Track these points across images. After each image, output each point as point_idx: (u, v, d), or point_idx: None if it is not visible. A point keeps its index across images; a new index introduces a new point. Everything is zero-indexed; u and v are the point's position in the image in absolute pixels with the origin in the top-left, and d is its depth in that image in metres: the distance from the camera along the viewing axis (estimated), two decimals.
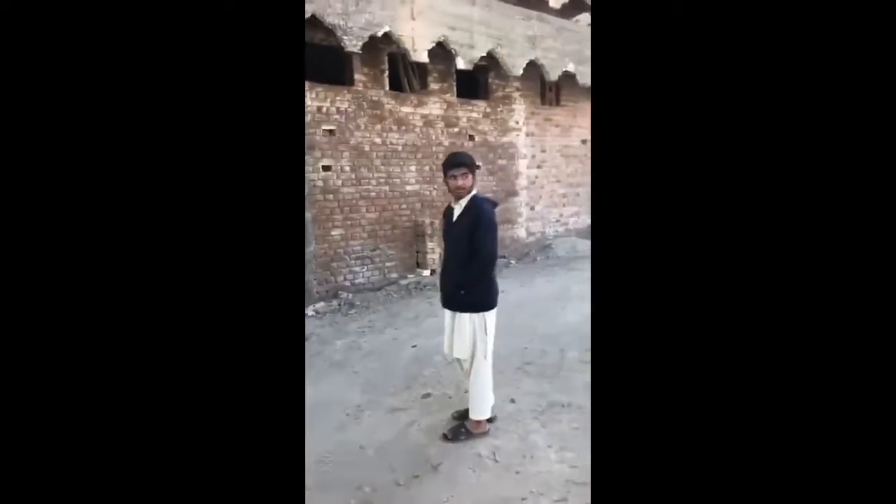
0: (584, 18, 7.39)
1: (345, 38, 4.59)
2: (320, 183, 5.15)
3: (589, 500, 1.93)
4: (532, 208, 7.42)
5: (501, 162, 6.90)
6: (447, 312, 2.42)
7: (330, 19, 4.46)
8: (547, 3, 6.50)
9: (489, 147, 6.71)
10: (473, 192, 2.36)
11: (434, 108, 6.02)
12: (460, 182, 2.29)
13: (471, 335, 2.34)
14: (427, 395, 2.93)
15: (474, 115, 6.49)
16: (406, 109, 5.76)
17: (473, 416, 2.40)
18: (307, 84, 4.86)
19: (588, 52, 6.86)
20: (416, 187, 5.90)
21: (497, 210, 2.41)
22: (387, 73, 5.54)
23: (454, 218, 2.36)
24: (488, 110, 6.64)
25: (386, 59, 5.49)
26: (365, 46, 4.85)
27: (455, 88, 6.19)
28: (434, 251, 5.74)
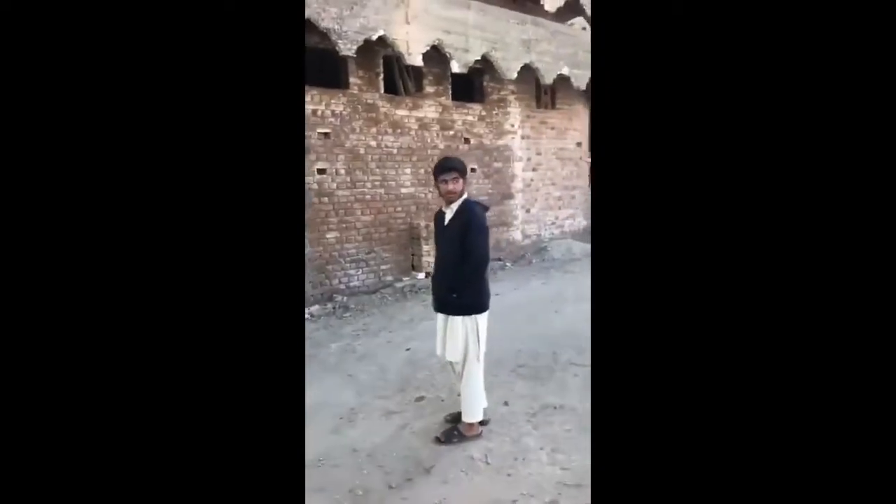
0: (579, 22, 7.43)
1: (339, 42, 4.60)
2: (315, 186, 5.16)
3: (579, 502, 1.95)
4: (528, 211, 7.44)
5: (497, 165, 6.92)
6: (439, 316, 2.43)
7: (324, 23, 4.47)
8: (542, 6, 6.53)
9: (484, 150, 6.73)
10: (464, 196, 2.38)
11: (429, 111, 6.04)
12: (451, 186, 2.30)
13: (463, 338, 2.35)
14: (420, 398, 2.94)
15: (470, 118, 6.51)
16: (401, 112, 5.78)
17: (466, 418, 2.41)
18: None
19: (582, 56, 6.90)
20: (412, 190, 5.91)
21: (488, 214, 2.43)
22: (382, 76, 5.56)
23: (446, 222, 2.38)
24: (483, 113, 6.66)
25: (381, 62, 5.51)
26: (360, 50, 4.86)
27: (450, 92, 6.21)
28: (429, 254, 5.75)
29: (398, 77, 5.79)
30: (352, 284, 5.51)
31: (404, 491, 2.08)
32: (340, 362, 3.59)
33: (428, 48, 5.27)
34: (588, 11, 7.11)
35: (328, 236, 5.31)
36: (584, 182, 8.24)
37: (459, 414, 2.46)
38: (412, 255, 5.95)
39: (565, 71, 6.72)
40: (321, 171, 5.20)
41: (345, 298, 5.22)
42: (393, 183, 5.79)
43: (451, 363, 2.46)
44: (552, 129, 7.63)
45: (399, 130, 5.77)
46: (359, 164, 5.47)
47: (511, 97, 6.93)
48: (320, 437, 2.48)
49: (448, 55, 5.49)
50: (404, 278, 5.82)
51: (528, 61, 6.24)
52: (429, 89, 6.00)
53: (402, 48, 5.06)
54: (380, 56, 5.43)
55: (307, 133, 5.01)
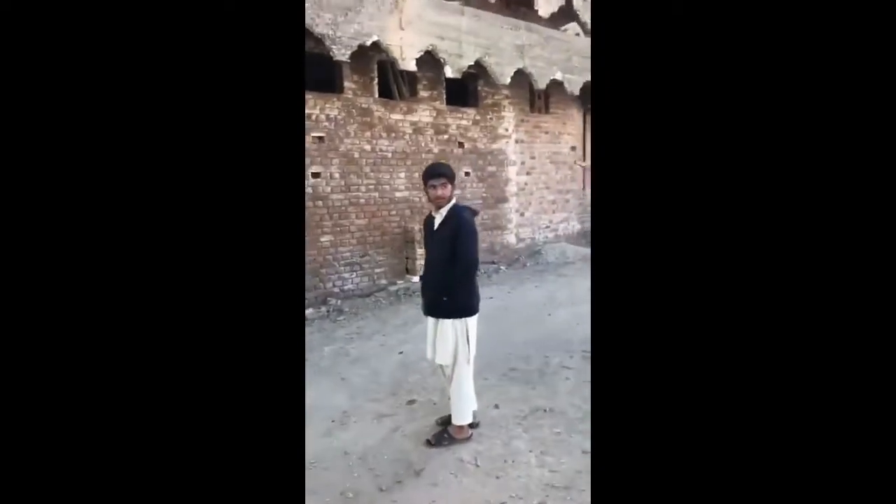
0: (573, 28, 7.49)
1: (334, 47, 4.64)
2: (310, 190, 5.18)
3: None
4: (522, 214, 7.48)
5: (491, 168, 6.97)
6: (429, 319, 2.46)
7: (319, 29, 4.51)
8: (536, 12, 6.59)
9: (479, 154, 6.78)
10: (453, 200, 2.41)
11: (423, 115, 6.08)
12: (440, 192, 2.34)
13: (453, 341, 2.38)
14: (412, 402, 2.96)
15: (464, 122, 6.55)
16: (395, 117, 5.82)
17: (456, 421, 2.44)
18: None
19: (576, 61, 6.97)
20: (406, 194, 5.94)
21: (477, 218, 2.46)
22: (376, 80, 5.59)
23: (435, 226, 2.41)
24: (478, 118, 6.71)
25: (375, 67, 5.55)
26: (354, 55, 4.90)
27: (444, 96, 6.25)
28: (423, 258, 5.77)
29: (392, 82, 5.83)
30: (346, 288, 5.53)
31: (394, 494, 2.10)
32: (333, 365, 3.60)
33: (422, 53, 5.31)
34: (581, 17, 7.18)
35: (322, 240, 5.33)
36: (577, 186, 8.30)
37: (450, 417, 2.49)
38: (406, 258, 5.98)
39: (559, 76, 6.78)
40: (315, 175, 5.23)
41: (339, 302, 5.24)
42: (387, 187, 5.82)
43: (441, 366, 2.48)
44: (546, 133, 7.68)
45: (393, 134, 5.80)
46: (353, 168, 5.50)
47: (505, 102, 6.99)
48: (312, 440, 2.50)
49: (442, 60, 5.54)
50: (398, 282, 5.85)
51: (521, 66, 6.30)
52: (423, 94, 6.04)
53: (396, 53, 5.10)
54: (374, 61, 5.47)
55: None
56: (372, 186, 5.69)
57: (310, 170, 5.17)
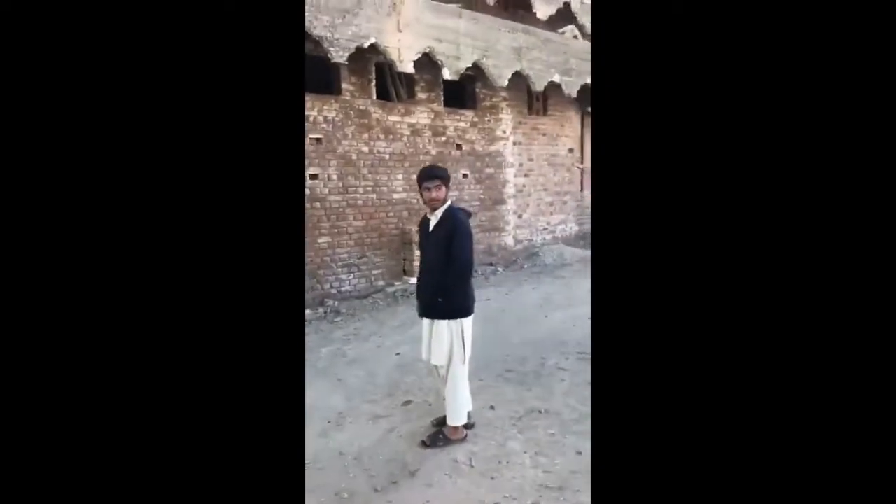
0: (570, 30, 7.52)
1: (331, 49, 4.65)
2: (307, 191, 5.19)
3: None
4: (519, 216, 7.50)
5: (489, 170, 6.98)
6: (425, 320, 2.47)
7: (317, 31, 4.52)
8: (534, 15, 6.62)
9: (476, 156, 6.80)
10: (448, 202, 2.43)
11: (421, 117, 6.10)
12: (434, 194, 2.36)
13: (448, 342, 2.39)
14: (408, 403, 2.97)
15: (462, 124, 6.57)
16: (393, 118, 5.83)
17: (451, 421, 2.45)
18: None
19: (573, 63, 6.99)
20: (404, 195, 5.96)
21: (472, 219, 2.48)
22: (374, 82, 5.61)
23: (430, 228, 2.43)
24: (476, 119, 6.73)
25: (373, 69, 5.57)
26: (352, 57, 4.92)
27: (442, 98, 6.27)
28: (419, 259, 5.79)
29: (390, 83, 5.85)
30: (343, 289, 5.54)
31: (389, 494, 2.11)
32: (330, 366, 3.61)
33: (419, 55, 5.33)
34: (580, 19, 7.21)
35: (320, 241, 5.35)
36: (575, 188, 8.32)
37: (445, 418, 2.50)
38: (404, 259, 5.99)
39: (556, 78, 6.80)
40: (313, 177, 5.24)
41: (336, 303, 5.25)
42: (385, 188, 5.84)
43: (436, 367, 2.49)
44: (544, 135, 7.71)
45: (391, 136, 5.82)
46: (351, 170, 5.52)
47: (503, 104, 7.01)
48: (308, 441, 2.50)
49: (439, 62, 5.56)
50: (396, 283, 5.86)
51: (519, 68, 6.32)
52: (421, 96, 6.06)
53: (393, 56, 5.12)
54: (372, 63, 5.49)
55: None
56: (370, 188, 5.70)
57: (307, 171, 5.18)
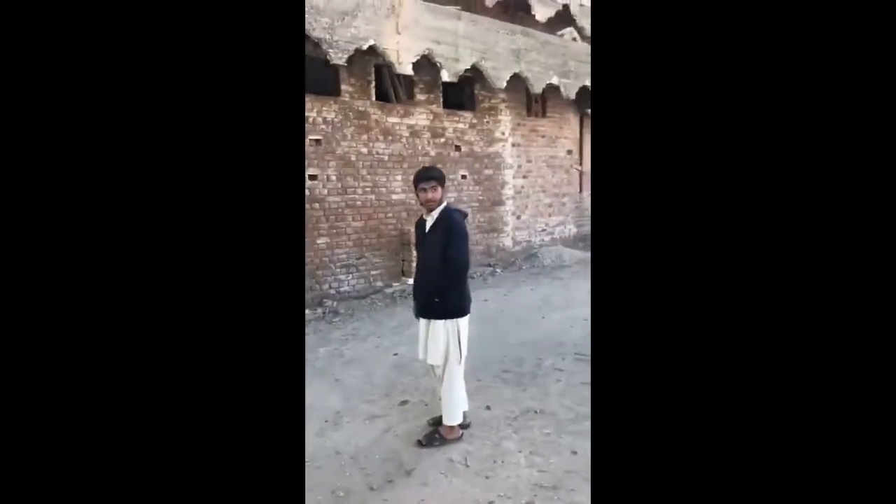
0: (569, 32, 7.55)
1: (331, 50, 4.68)
2: (306, 192, 5.22)
3: (553, 503, 2.01)
4: (518, 217, 7.52)
5: (487, 172, 7.01)
6: (421, 320, 2.49)
7: (316, 33, 4.55)
8: (533, 17, 6.65)
9: (475, 157, 6.82)
10: (444, 203, 2.45)
11: (420, 118, 6.13)
12: (430, 195, 2.38)
13: (444, 341, 2.41)
14: (405, 402, 2.99)
15: (460, 125, 6.60)
16: (392, 120, 5.86)
17: (446, 421, 2.47)
18: None
19: (572, 65, 7.02)
20: (402, 196, 5.98)
21: (467, 220, 2.50)
22: (373, 84, 5.64)
23: (427, 229, 2.45)
24: (474, 121, 6.76)
25: (372, 70, 5.59)
26: (351, 58, 4.94)
27: (441, 99, 6.30)
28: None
29: (389, 85, 5.87)
30: (342, 290, 5.56)
31: (385, 493, 2.12)
32: (328, 366, 3.63)
33: (418, 57, 5.35)
34: (579, 22, 7.24)
35: (319, 242, 5.37)
36: (574, 189, 8.35)
37: (441, 417, 2.52)
38: (402, 260, 6.01)
39: (555, 80, 6.82)
40: (312, 178, 5.27)
41: (335, 303, 5.26)
42: (384, 189, 5.86)
43: (432, 366, 2.51)
44: (542, 137, 7.73)
45: (390, 137, 5.84)
46: (350, 171, 5.54)
47: (502, 105, 7.04)
48: (306, 440, 2.53)
49: (438, 64, 5.58)
50: (394, 284, 5.88)
51: (517, 70, 6.35)
52: (420, 97, 6.09)
53: (392, 57, 5.14)
54: (371, 64, 5.52)
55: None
56: (368, 189, 5.73)
57: (307, 172, 5.21)
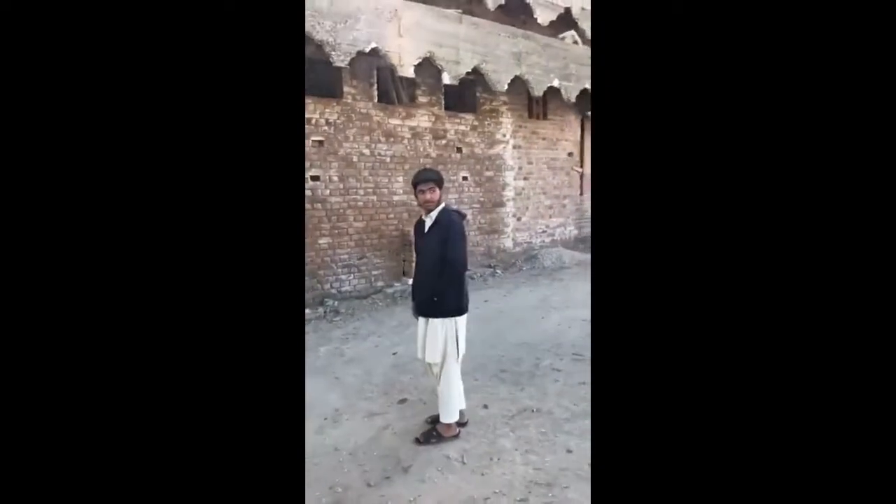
0: (571, 36, 7.58)
1: (333, 53, 4.73)
2: (308, 192, 5.27)
3: (548, 501, 2.04)
4: (519, 219, 7.56)
5: (488, 174, 7.05)
6: (420, 319, 2.53)
7: (319, 36, 4.60)
8: (535, 20, 6.69)
9: (476, 159, 6.86)
10: (442, 204, 2.50)
11: (422, 120, 6.18)
12: (428, 196, 2.42)
13: (442, 340, 2.45)
14: (403, 401, 3.03)
15: (462, 127, 6.64)
16: (394, 122, 5.91)
17: (443, 419, 2.50)
18: None
19: (573, 68, 7.05)
20: (404, 197, 6.02)
21: (465, 221, 2.55)
22: (375, 86, 5.69)
23: (426, 229, 2.49)
24: (476, 123, 6.80)
25: (375, 72, 5.65)
26: (353, 61, 4.99)
27: (443, 102, 6.35)
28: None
29: (391, 87, 5.92)
30: (343, 289, 5.61)
31: (382, 489, 2.16)
32: (328, 365, 3.67)
33: (420, 60, 5.40)
34: (580, 25, 7.28)
35: (321, 242, 5.41)
36: (574, 191, 8.38)
37: (439, 416, 2.56)
38: (403, 261, 6.05)
39: (556, 83, 6.86)
40: (315, 178, 5.32)
41: (336, 303, 5.31)
42: (385, 190, 5.91)
43: (430, 365, 2.55)
44: (543, 139, 7.77)
45: (392, 139, 5.89)
46: (352, 172, 5.59)
47: (503, 108, 7.08)
48: (305, 437, 2.57)
49: (440, 67, 5.63)
50: (395, 284, 5.92)
51: (518, 73, 6.39)
52: (422, 99, 6.14)
53: (394, 60, 5.19)
54: (373, 67, 5.57)
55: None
56: (370, 190, 5.77)
57: (309, 173, 5.26)
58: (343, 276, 5.63)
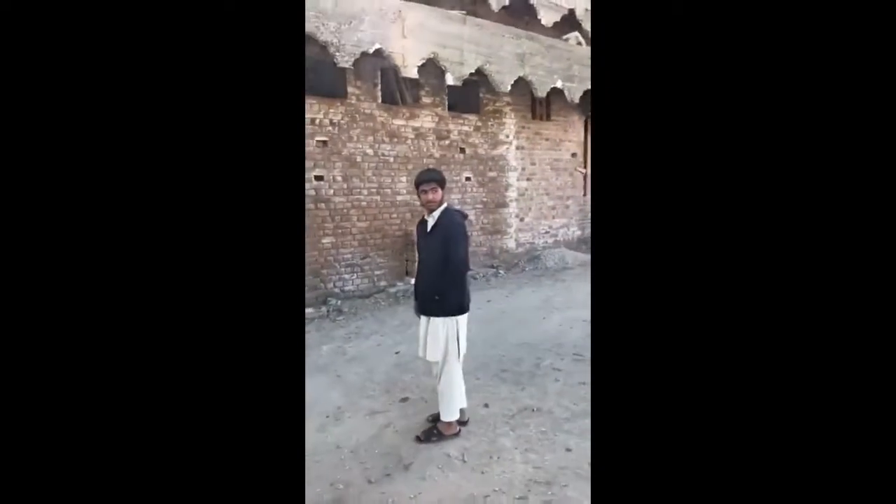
0: (574, 37, 7.59)
1: (337, 54, 4.76)
2: (312, 192, 5.30)
3: (547, 499, 2.06)
4: (522, 219, 7.57)
5: (492, 174, 7.07)
6: (422, 318, 2.56)
7: (323, 37, 4.63)
8: (539, 21, 6.71)
9: (479, 159, 6.88)
10: (444, 204, 2.52)
11: (426, 121, 6.20)
12: (430, 196, 2.45)
13: (444, 338, 2.47)
14: (405, 399, 3.05)
15: (465, 128, 6.66)
16: (398, 122, 5.94)
17: (444, 417, 2.52)
18: None
19: (576, 70, 7.06)
20: (407, 197, 6.05)
21: (467, 221, 2.57)
22: (379, 86, 5.72)
23: (428, 229, 2.52)
24: (479, 124, 6.82)
25: (379, 73, 5.68)
26: (357, 62, 5.02)
27: (446, 102, 6.37)
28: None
29: (395, 88, 5.95)
30: (346, 288, 5.64)
31: (383, 486, 2.18)
32: (330, 363, 3.70)
33: (424, 61, 5.43)
34: (584, 26, 7.28)
35: (324, 241, 5.45)
36: (578, 192, 8.38)
37: (440, 414, 2.58)
38: (406, 260, 6.08)
39: (559, 84, 6.87)
40: (318, 178, 5.35)
41: (339, 302, 5.34)
42: (389, 190, 5.94)
43: (431, 363, 2.57)
44: (547, 140, 7.78)
45: (395, 139, 5.92)
46: (356, 172, 5.62)
47: (506, 108, 7.10)
48: (306, 434, 2.59)
49: (443, 68, 5.65)
50: (398, 283, 5.95)
51: (522, 74, 6.40)
52: (425, 100, 6.17)
53: (398, 61, 5.22)
54: (377, 68, 5.60)
55: (306, 141, 5.17)
56: (374, 190, 5.80)
57: (313, 173, 5.30)
58: (346, 276, 5.66)
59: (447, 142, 6.46)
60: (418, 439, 2.52)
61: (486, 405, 2.91)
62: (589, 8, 7.10)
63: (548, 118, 7.82)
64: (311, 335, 4.38)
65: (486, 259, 7.06)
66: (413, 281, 5.87)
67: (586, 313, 4.31)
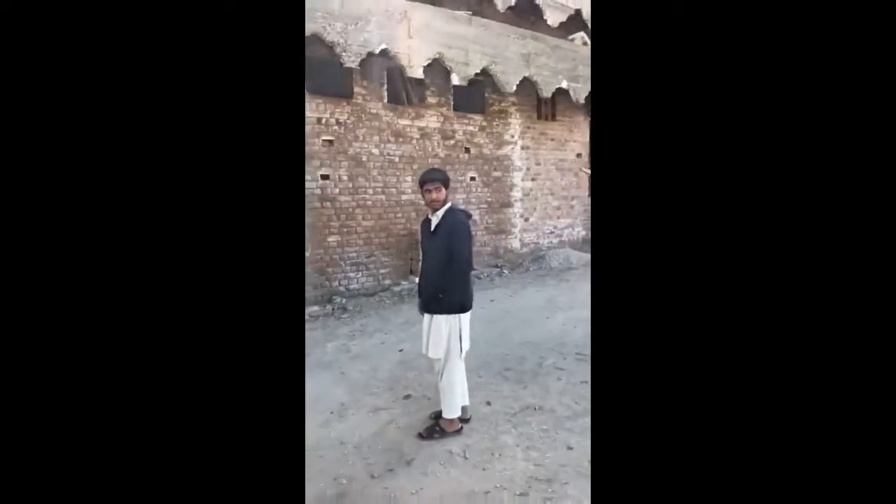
0: (580, 37, 7.59)
1: (344, 54, 4.80)
2: (318, 191, 5.35)
3: (548, 496, 2.08)
4: (526, 219, 7.58)
5: (496, 174, 7.08)
6: (425, 315, 2.58)
7: (330, 37, 4.67)
8: (545, 21, 6.71)
9: (484, 159, 6.90)
10: (448, 204, 2.55)
11: (431, 120, 6.23)
12: (434, 195, 2.47)
13: (446, 336, 2.50)
14: (408, 396, 3.08)
15: (470, 128, 6.69)
16: (403, 122, 5.97)
17: (445, 414, 2.55)
18: (307, 96, 5.08)
19: (581, 70, 7.06)
20: (412, 197, 6.08)
21: (471, 221, 2.59)
22: (385, 86, 5.76)
23: (432, 228, 2.54)
24: (484, 124, 6.84)
25: (384, 73, 5.71)
26: (363, 62, 5.06)
27: (452, 102, 6.40)
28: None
29: (401, 88, 5.98)
30: (351, 287, 5.68)
31: (385, 481, 2.21)
32: (335, 361, 3.74)
33: (429, 61, 5.45)
34: (590, 26, 7.28)
35: (329, 240, 5.49)
36: (583, 192, 8.38)
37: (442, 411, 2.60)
38: (411, 259, 6.11)
39: (564, 84, 6.88)
40: (324, 177, 5.39)
41: (343, 300, 5.38)
42: (394, 190, 5.97)
43: (433, 360, 2.60)
44: (552, 140, 7.79)
45: (401, 139, 5.96)
46: (361, 171, 5.66)
47: (512, 108, 7.11)
48: (310, 430, 2.61)
49: (449, 68, 5.68)
50: (402, 282, 5.98)
51: (527, 74, 6.41)
52: (431, 100, 6.20)
53: (404, 61, 5.25)
54: (383, 67, 5.64)
55: (312, 140, 5.21)
56: (379, 189, 5.84)
57: (319, 172, 5.34)
58: (351, 274, 5.70)
59: (452, 142, 6.49)
60: (420, 436, 2.54)
61: (489, 403, 2.94)
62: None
63: (553, 118, 7.83)
64: (316, 333, 4.42)
65: (491, 259, 7.07)
66: (417, 280, 5.91)
67: (589, 313, 4.31)
